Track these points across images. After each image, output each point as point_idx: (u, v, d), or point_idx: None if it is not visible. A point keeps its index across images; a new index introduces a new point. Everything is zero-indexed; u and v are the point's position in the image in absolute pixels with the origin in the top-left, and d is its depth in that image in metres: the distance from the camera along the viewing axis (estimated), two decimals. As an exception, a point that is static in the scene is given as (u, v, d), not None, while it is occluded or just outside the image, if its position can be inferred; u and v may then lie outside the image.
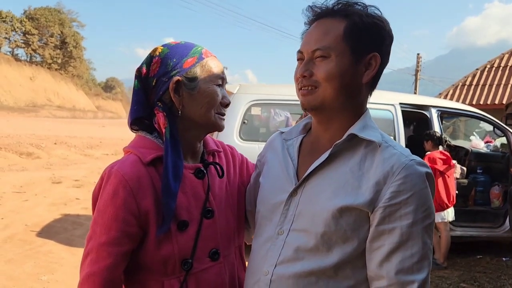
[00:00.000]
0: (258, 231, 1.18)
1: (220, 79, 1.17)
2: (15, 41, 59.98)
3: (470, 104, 13.31)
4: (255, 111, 5.14)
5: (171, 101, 1.13)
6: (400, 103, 5.28)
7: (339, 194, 1.03)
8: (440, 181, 4.89)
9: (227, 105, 1.18)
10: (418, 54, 23.73)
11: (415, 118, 5.74)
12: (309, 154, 1.13)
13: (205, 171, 1.19)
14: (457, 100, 13.96)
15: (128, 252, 1.08)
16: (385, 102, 5.24)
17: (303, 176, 1.09)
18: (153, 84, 1.14)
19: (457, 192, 5.49)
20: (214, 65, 1.16)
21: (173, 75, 1.12)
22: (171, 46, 1.16)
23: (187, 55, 1.14)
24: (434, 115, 5.42)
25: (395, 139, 5.12)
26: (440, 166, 4.92)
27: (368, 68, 1.07)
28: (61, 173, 10.58)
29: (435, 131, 5.13)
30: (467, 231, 5.43)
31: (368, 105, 4.65)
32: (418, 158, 1.04)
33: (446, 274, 4.81)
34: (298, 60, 1.12)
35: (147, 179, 1.08)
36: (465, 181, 5.84)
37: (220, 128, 1.18)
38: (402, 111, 5.28)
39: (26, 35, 59.56)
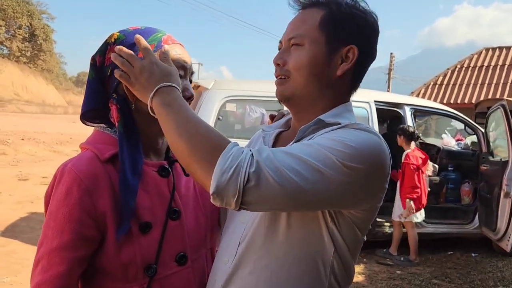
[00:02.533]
0: (227, 224, 1.12)
1: (181, 70, 1.05)
2: (-20, 32, 57.73)
3: (441, 103, 13.57)
4: (230, 107, 5.06)
5: (125, 93, 1.03)
6: (375, 101, 5.31)
7: None
8: (421, 180, 4.95)
9: (188, 98, 1.06)
10: (391, 53, 24.14)
11: (389, 116, 5.78)
12: (283, 143, 1.08)
13: (169, 169, 1.09)
14: (429, 99, 14.22)
15: (84, 257, 0.97)
16: (360, 99, 5.25)
17: None
18: (108, 74, 1.04)
19: (429, 189, 5.58)
20: (174, 54, 1.05)
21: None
22: (128, 33, 1.05)
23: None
24: (407, 113, 5.48)
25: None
26: (421, 164, 4.98)
27: (345, 61, 1.01)
28: (28, 170, 10.20)
29: (408, 126, 5.16)
30: (439, 228, 5.54)
31: None
32: (375, 132, 0.94)
33: (419, 271, 4.87)
34: (279, 49, 1.07)
35: (105, 177, 0.98)
36: (437, 178, 5.94)
37: None
38: (377, 109, 5.31)
39: (-7, 27, 57.40)
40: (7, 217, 6.04)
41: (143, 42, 0.98)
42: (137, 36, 0.98)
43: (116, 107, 1.03)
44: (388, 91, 22.80)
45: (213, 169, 0.81)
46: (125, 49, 0.96)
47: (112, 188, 0.98)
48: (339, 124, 0.96)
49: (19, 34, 60.52)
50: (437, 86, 14.99)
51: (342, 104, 1.05)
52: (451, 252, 5.56)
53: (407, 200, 4.93)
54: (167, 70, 0.97)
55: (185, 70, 1.06)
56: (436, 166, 5.94)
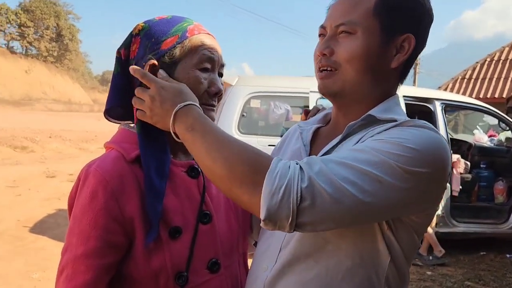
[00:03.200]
0: (261, 231, 1.04)
1: (208, 63, 0.97)
2: (10, 33, 59.40)
3: (469, 98, 13.18)
4: (254, 103, 4.98)
5: None
6: (403, 96, 5.13)
7: None
8: None
9: (215, 94, 0.98)
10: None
11: (418, 111, 5.58)
12: (325, 139, 0.99)
13: (199, 169, 1.01)
14: (457, 93, 13.84)
15: (111, 265, 0.90)
16: (388, 94, 5.10)
17: None
18: None
19: (460, 187, 5.39)
20: (200, 45, 0.96)
21: (150, 58, 0.95)
22: (153, 23, 0.98)
23: (167, 33, 0.96)
24: (438, 108, 5.27)
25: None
26: None
27: (400, 52, 0.91)
28: (55, 167, 10.40)
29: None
30: (470, 228, 5.32)
31: None
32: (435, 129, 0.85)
33: (450, 272, 4.69)
34: (319, 36, 0.97)
35: (132, 179, 0.91)
36: (469, 176, 5.71)
37: None
38: (405, 104, 5.14)
39: (22, 28, 58.99)
40: (36, 213, 6.15)
41: (140, 71, 0.92)
42: (132, 67, 0.92)
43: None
44: (413, 86, 22.33)
45: (260, 191, 0.72)
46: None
47: (139, 190, 0.91)
48: (392, 120, 0.88)
49: (47, 35, 62.15)
50: (465, 80, 14.54)
51: (391, 97, 0.96)
52: (484, 253, 5.34)
53: None
54: (177, 89, 0.89)
55: (212, 62, 0.98)
56: (468, 163, 5.71)
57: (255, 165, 0.76)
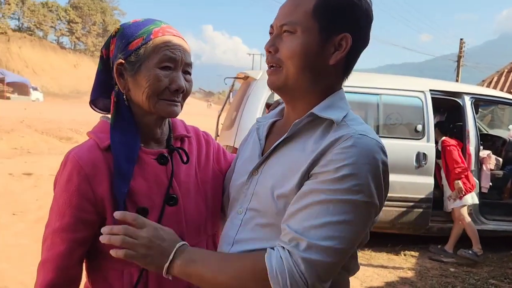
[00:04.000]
0: (228, 213, 1.16)
1: (168, 62, 1.05)
2: (60, 29, 62.26)
3: (516, 92, 12.60)
4: (278, 97, 5.06)
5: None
6: (431, 90, 5.05)
7: (284, 178, 0.98)
8: (462, 159, 4.88)
9: (176, 90, 1.06)
10: (461, 39, 22.69)
11: (447, 105, 5.48)
12: (277, 134, 1.09)
13: (168, 157, 1.13)
14: (502, 87, 13.24)
15: (84, 239, 1.04)
16: (414, 88, 5.03)
17: (264, 155, 1.06)
18: (112, 66, 1.10)
19: (491, 184, 5.25)
20: (162, 46, 1.05)
21: (119, 57, 1.07)
22: (126, 26, 1.10)
23: (135, 35, 1.07)
24: (467, 102, 5.15)
25: (424, 127, 4.93)
26: (457, 144, 4.96)
27: (338, 49, 0.99)
28: (96, 158, 10.91)
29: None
30: (501, 225, 5.17)
31: (395, 92, 4.54)
32: (372, 135, 0.94)
33: (475, 269, 4.60)
34: (269, 34, 1.05)
35: (104, 165, 1.04)
36: (500, 172, 5.55)
37: (169, 115, 1.09)
38: (433, 98, 5.05)
39: (70, 24, 61.70)
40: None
41: (128, 215, 0.96)
42: (116, 213, 0.97)
43: (113, 99, 1.10)
44: (457, 79, 21.50)
45: None
46: (117, 227, 0.94)
47: (110, 174, 1.04)
48: (331, 120, 0.96)
49: (94, 30, 64.57)
50: (511, 73, 13.87)
51: (335, 93, 1.04)
52: (515, 252, 5.19)
53: (456, 181, 4.76)
54: (168, 231, 0.99)
55: (173, 61, 1.06)
56: (500, 159, 5.54)
57: (256, 273, 0.89)
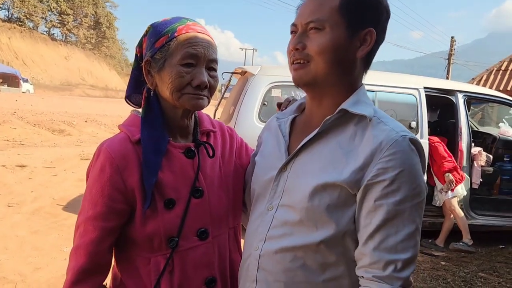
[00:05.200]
0: (252, 208, 1.18)
1: (190, 59, 1.09)
2: (51, 21, 61.50)
3: (505, 90, 12.77)
4: (276, 93, 5.11)
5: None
6: (425, 87, 5.15)
7: (325, 170, 1.01)
8: (448, 153, 5.04)
9: (198, 86, 1.10)
10: (452, 37, 22.91)
11: (440, 103, 5.57)
12: (302, 130, 1.12)
13: (195, 151, 1.17)
14: (491, 86, 13.43)
15: (114, 228, 1.10)
16: (408, 86, 5.12)
17: (293, 152, 1.08)
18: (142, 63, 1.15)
19: (481, 180, 5.37)
20: (185, 43, 1.09)
21: (148, 55, 1.13)
22: (156, 25, 1.15)
23: (161, 33, 1.12)
24: (460, 100, 5.25)
25: (418, 124, 5.02)
26: (441, 140, 5.13)
27: (363, 44, 1.04)
28: (90, 150, 10.88)
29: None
30: (490, 220, 5.31)
31: (390, 89, 4.66)
32: (410, 134, 1.00)
33: (465, 263, 4.72)
34: (291, 33, 1.08)
35: (134, 157, 1.09)
36: (490, 169, 5.67)
37: (193, 108, 1.13)
38: (427, 95, 5.15)
39: (62, 15, 60.95)
40: (70, 193, 6.54)
41: None
42: None
43: (145, 94, 1.16)
44: (447, 77, 21.71)
45: None
46: None
47: (140, 166, 1.09)
48: (364, 117, 1.02)
49: (85, 22, 63.89)
50: (500, 72, 14.08)
51: (359, 88, 1.09)
52: (503, 246, 5.31)
53: (446, 174, 4.90)
54: None
55: (195, 58, 1.10)
56: (490, 156, 5.66)
57: None
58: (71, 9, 61.43)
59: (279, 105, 1.33)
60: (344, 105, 1.03)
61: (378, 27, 1.04)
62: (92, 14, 65.09)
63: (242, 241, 1.26)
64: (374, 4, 1.03)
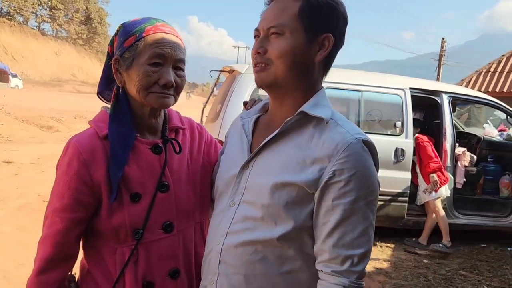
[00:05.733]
0: (215, 204, 1.23)
1: (157, 58, 1.13)
2: (41, 15, 60.87)
3: (493, 91, 12.95)
4: (262, 91, 5.12)
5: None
6: (410, 88, 5.21)
7: (284, 170, 1.06)
8: (435, 154, 5.09)
9: (164, 85, 1.13)
10: (443, 38, 23.13)
11: (426, 103, 5.64)
12: (264, 130, 1.17)
13: (163, 147, 1.20)
14: (480, 87, 13.60)
15: (81, 219, 1.13)
16: (394, 86, 5.18)
17: (254, 151, 1.13)
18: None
19: (464, 180, 5.46)
20: (152, 43, 1.13)
21: (117, 54, 1.16)
22: (126, 24, 1.18)
23: (130, 33, 1.15)
24: (445, 101, 5.32)
25: (403, 124, 5.08)
26: (430, 140, 5.17)
27: (321, 48, 1.09)
28: (78, 147, 10.83)
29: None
30: (472, 220, 5.39)
31: (376, 89, 4.73)
32: (363, 136, 1.05)
33: (447, 261, 4.80)
34: (254, 37, 1.14)
35: (102, 152, 1.12)
36: (474, 169, 5.76)
37: (160, 106, 1.17)
38: (413, 96, 5.21)
39: (52, 10, 60.35)
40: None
41: None
42: None
43: (114, 91, 1.19)
44: (437, 78, 21.91)
45: None
46: None
47: (107, 161, 1.12)
48: (322, 119, 1.07)
49: (76, 18, 63.31)
50: (490, 73, 14.26)
51: (319, 91, 1.14)
52: (485, 245, 5.41)
53: (431, 175, 4.96)
54: None
55: (162, 58, 1.13)
56: (474, 156, 5.76)
57: None
58: (62, 4, 60.83)
59: (245, 104, 1.37)
60: (303, 108, 1.08)
61: (336, 33, 1.10)
62: (84, 10, 64.55)
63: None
64: (332, 11, 1.08)
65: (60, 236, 1.12)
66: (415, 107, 5.42)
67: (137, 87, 1.13)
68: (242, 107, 1.41)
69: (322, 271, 1.04)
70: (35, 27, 61.05)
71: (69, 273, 1.21)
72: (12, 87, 35.95)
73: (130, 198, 1.13)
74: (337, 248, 1.01)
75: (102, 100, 1.29)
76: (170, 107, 1.31)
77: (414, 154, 5.18)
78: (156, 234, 1.17)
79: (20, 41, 52.87)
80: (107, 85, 1.26)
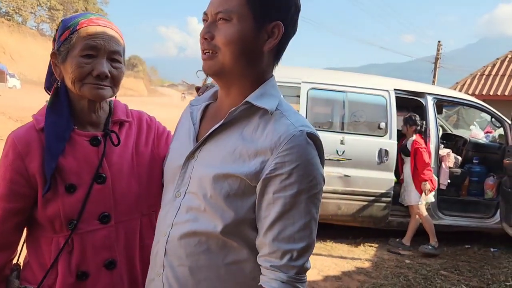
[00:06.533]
0: (163, 194, 1.21)
1: (90, 50, 1.15)
2: (40, 16, 60.90)
3: (487, 95, 12.99)
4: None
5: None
6: (395, 89, 5.25)
7: (226, 161, 1.04)
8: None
9: (98, 76, 1.16)
10: (439, 41, 23.18)
11: (411, 105, 5.69)
12: (211, 118, 1.14)
13: (102, 139, 1.22)
14: (474, 90, 13.64)
15: (18, 209, 1.16)
16: (378, 87, 5.22)
17: (199, 141, 1.11)
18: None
19: (449, 181, 5.50)
20: (85, 36, 1.16)
21: (55, 48, 1.20)
22: (64, 19, 1.21)
23: (65, 27, 1.18)
24: (429, 102, 5.37)
25: (387, 125, 5.12)
26: (427, 147, 5.08)
27: (271, 37, 1.05)
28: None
29: (418, 119, 5.12)
30: (457, 221, 5.43)
31: (360, 90, 4.82)
32: (308, 128, 1.03)
33: (428, 261, 4.83)
34: (203, 21, 1.09)
35: (37, 144, 1.15)
36: (458, 170, 5.81)
37: (95, 98, 1.19)
38: (398, 97, 5.25)
39: (51, 11, 60.37)
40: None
41: None
42: None
43: (55, 85, 1.23)
44: (433, 81, 21.98)
45: None
46: None
47: (43, 153, 1.15)
48: (266, 110, 1.04)
49: (75, 18, 63.04)
50: (484, 76, 14.30)
51: (267, 81, 1.11)
52: (468, 246, 5.45)
53: (423, 182, 4.93)
54: None
55: (95, 50, 1.16)
56: (459, 158, 5.80)
57: None
58: (61, 4, 60.90)
59: (198, 90, 1.34)
60: (249, 98, 1.06)
61: (287, 21, 1.06)
62: (83, 10, 64.45)
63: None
64: None
65: None
66: (400, 108, 5.47)
67: (71, 78, 1.16)
68: (195, 92, 1.36)
69: (262, 265, 1.03)
70: (33, 28, 61.10)
71: (12, 262, 1.24)
72: (9, 87, 35.97)
73: (65, 188, 1.15)
74: (277, 242, 1.00)
75: (49, 95, 1.30)
76: (117, 100, 1.34)
77: (406, 154, 5.18)
78: (92, 224, 1.18)
79: (18, 41, 52.91)
80: (53, 80, 1.28)
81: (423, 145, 5.02)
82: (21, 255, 1.30)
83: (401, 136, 5.40)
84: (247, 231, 1.06)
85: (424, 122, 5.14)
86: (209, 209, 1.05)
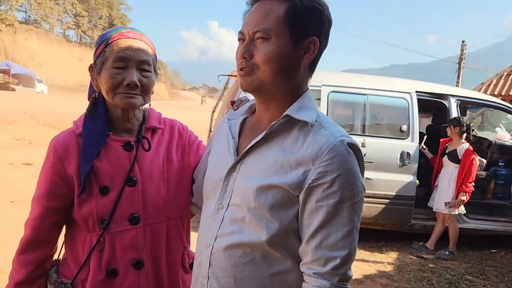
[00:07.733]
0: (204, 207, 1.24)
1: (120, 62, 1.23)
2: (66, 22, 62.47)
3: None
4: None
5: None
6: (417, 92, 5.20)
7: (269, 173, 1.07)
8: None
9: (128, 85, 1.23)
10: (463, 41, 22.72)
11: (434, 107, 5.62)
12: (250, 132, 1.17)
13: (134, 145, 1.29)
14: (500, 90, 13.31)
15: (57, 207, 1.27)
16: (400, 90, 5.18)
17: (241, 154, 1.13)
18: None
19: (473, 184, 5.38)
20: (115, 48, 1.24)
21: (93, 62, 1.30)
22: (101, 34, 1.31)
23: (100, 42, 1.28)
24: (453, 104, 5.30)
25: (409, 127, 5.08)
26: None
27: (307, 52, 1.08)
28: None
29: (462, 118, 5.02)
30: (482, 224, 5.32)
31: (382, 93, 4.84)
32: (348, 138, 1.06)
33: (453, 265, 4.76)
34: (239, 40, 1.12)
35: (75, 148, 1.25)
36: (483, 173, 5.69)
37: (126, 106, 1.26)
38: (420, 99, 5.20)
39: (77, 17, 61.87)
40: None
41: None
42: None
43: (93, 96, 1.33)
44: (457, 81, 21.55)
45: None
46: None
47: (80, 156, 1.25)
48: (306, 122, 1.07)
49: (100, 24, 64.61)
50: (510, 76, 13.93)
51: (304, 94, 1.13)
52: (495, 251, 5.34)
53: (462, 193, 4.85)
54: None
55: (124, 61, 1.24)
56: (484, 160, 5.68)
57: None
58: (86, 11, 62.34)
59: (233, 103, 1.37)
60: (288, 111, 1.08)
61: (321, 36, 1.09)
62: (107, 16, 65.92)
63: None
64: (317, 14, 1.08)
65: (36, 221, 1.27)
66: (423, 111, 5.41)
67: (105, 89, 1.25)
68: (230, 105, 1.39)
69: (305, 273, 1.05)
70: (60, 34, 62.73)
71: (52, 258, 1.35)
72: (37, 92, 37.01)
73: (99, 190, 1.24)
74: (320, 249, 1.02)
75: None
76: (152, 108, 1.42)
77: (453, 160, 4.99)
78: (122, 225, 1.25)
79: (45, 47, 54.42)
80: (93, 92, 1.37)
81: (474, 155, 4.91)
82: (61, 252, 1.40)
83: (434, 138, 5.28)
84: (292, 241, 1.09)
85: (470, 125, 5.04)
86: (253, 221, 1.07)
